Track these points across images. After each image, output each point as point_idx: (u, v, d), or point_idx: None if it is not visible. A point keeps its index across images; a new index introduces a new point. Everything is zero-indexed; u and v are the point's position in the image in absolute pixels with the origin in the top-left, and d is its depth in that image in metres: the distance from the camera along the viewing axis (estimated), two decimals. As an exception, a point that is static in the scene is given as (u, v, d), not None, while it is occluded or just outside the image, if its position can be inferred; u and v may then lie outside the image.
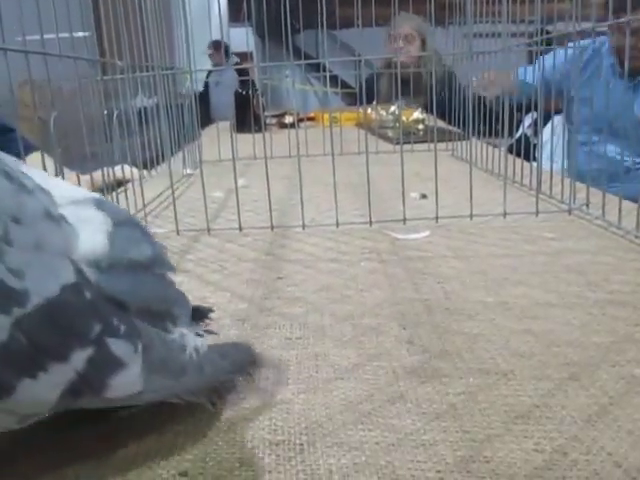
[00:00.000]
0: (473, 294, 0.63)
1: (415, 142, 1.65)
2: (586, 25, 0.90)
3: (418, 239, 0.85)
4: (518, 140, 2.70)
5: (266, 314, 0.61)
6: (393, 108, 2.01)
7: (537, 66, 1.17)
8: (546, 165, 1.38)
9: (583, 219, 0.90)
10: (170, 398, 0.39)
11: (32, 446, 0.39)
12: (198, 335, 0.42)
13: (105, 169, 0.95)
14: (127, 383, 0.35)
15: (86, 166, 1.08)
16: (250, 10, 1.27)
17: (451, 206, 0.99)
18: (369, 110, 2.18)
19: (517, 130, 2.79)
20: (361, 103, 1.56)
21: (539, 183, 0.93)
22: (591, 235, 0.82)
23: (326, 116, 2.08)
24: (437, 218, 0.89)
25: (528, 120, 3.02)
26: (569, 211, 0.91)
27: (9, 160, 0.34)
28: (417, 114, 1.87)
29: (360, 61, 1.13)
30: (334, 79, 2.36)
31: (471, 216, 0.90)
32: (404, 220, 0.90)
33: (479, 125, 1.42)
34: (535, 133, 3.24)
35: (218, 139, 1.60)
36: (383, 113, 2.01)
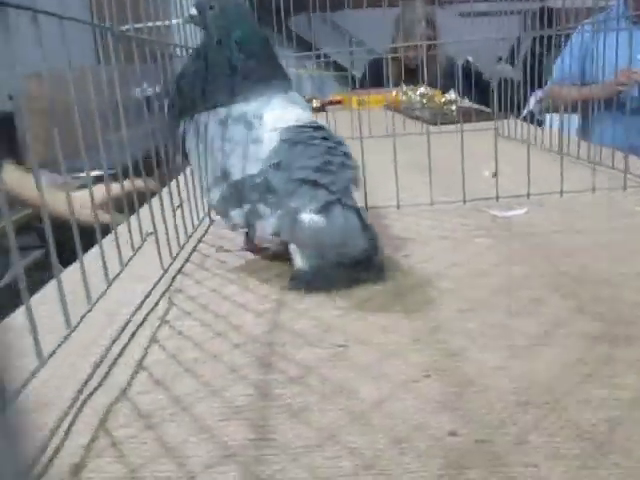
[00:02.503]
0: (607, 266, 0.66)
1: (451, 122, 1.69)
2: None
3: (518, 216, 0.88)
4: (524, 117, 2.74)
5: (420, 290, 0.64)
6: (421, 89, 2.03)
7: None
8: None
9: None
10: (299, 244, 0.63)
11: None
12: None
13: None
14: (265, 227, 0.65)
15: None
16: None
17: (526, 183, 1.01)
18: (394, 93, 2.21)
19: (523, 107, 2.83)
20: (360, 87, 1.60)
21: (627, 158, 0.96)
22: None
23: (354, 98, 2.09)
24: (529, 195, 0.92)
25: (534, 98, 3.07)
26: (655, 184, 0.95)
27: (259, 109, 0.69)
28: (449, 95, 1.89)
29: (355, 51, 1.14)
30: (328, 63, 2.37)
31: (561, 192, 0.93)
32: (497, 197, 0.93)
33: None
34: (542, 110, 3.28)
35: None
36: (411, 95, 2.03)
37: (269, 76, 0.72)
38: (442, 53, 2.53)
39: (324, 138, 0.66)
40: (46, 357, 0.43)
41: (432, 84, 2.12)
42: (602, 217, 0.84)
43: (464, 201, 0.93)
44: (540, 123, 2.37)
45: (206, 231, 0.92)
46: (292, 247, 0.64)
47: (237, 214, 0.68)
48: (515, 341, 0.51)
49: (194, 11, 0.73)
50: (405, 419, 0.41)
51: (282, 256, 0.74)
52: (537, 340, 0.51)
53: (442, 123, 1.66)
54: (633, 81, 1.13)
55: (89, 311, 0.52)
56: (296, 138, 0.65)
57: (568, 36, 1.67)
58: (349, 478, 0.36)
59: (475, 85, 2.14)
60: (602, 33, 1.14)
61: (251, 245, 0.79)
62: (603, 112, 1.23)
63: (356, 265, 0.62)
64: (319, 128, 0.68)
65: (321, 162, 0.63)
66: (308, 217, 0.61)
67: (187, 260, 0.80)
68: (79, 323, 0.49)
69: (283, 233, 0.63)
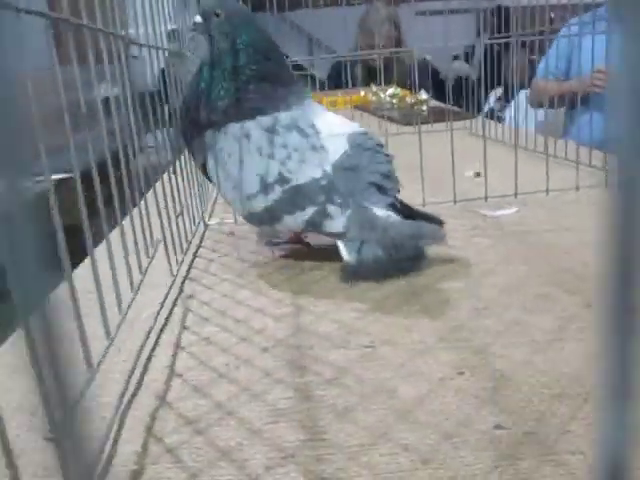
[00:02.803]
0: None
1: (423, 123, 1.72)
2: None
3: (508, 215, 0.91)
4: (486, 114, 2.81)
5: (433, 289, 0.66)
6: (390, 90, 2.06)
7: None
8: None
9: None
10: (364, 239, 0.66)
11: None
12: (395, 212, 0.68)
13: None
14: (334, 226, 0.68)
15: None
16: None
17: (506, 182, 1.03)
18: (362, 93, 2.24)
19: (483, 104, 2.90)
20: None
21: (607, 157, 1.00)
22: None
23: (324, 99, 2.11)
24: (516, 194, 0.96)
25: (493, 95, 3.14)
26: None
27: (308, 118, 0.73)
28: (420, 95, 1.93)
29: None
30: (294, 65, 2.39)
31: (547, 191, 0.96)
32: (486, 197, 0.96)
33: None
34: (502, 108, 3.35)
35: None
36: (381, 95, 2.06)
37: (291, 81, 0.77)
38: (406, 53, 2.57)
39: (380, 145, 0.73)
40: (95, 366, 0.44)
41: (400, 84, 2.15)
42: (590, 215, 0.88)
43: (454, 201, 0.96)
44: (500, 120, 2.45)
45: (203, 236, 0.93)
46: (339, 244, 0.68)
47: (295, 217, 0.70)
48: (533, 336, 0.54)
49: (199, 19, 0.74)
50: (449, 415, 0.44)
51: (292, 256, 0.76)
52: (555, 335, 0.54)
53: (415, 123, 1.69)
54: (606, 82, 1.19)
55: (123, 320, 0.52)
56: (365, 145, 0.71)
57: (552, 40, 1.73)
58: (409, 474, 0.38)
59: (433, 83, 2.20)
60: (585, 31, 1.19)
61: (271, 248, 0.82)
62: (580, 108, 1.28)
63: (407, 258, 0.67)
64: (369, 135, 0.75)
65: (386, 170, 0.71)
66: (385, 213, 0.67)
67: (191, 266, 0.81)
68: (117, 332, 0.50)
69: (354, 229, 0.66)
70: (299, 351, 0.55)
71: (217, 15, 0.72)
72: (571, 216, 0.88)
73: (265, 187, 0.70)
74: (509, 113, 2.79)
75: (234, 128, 0.72)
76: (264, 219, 0.73)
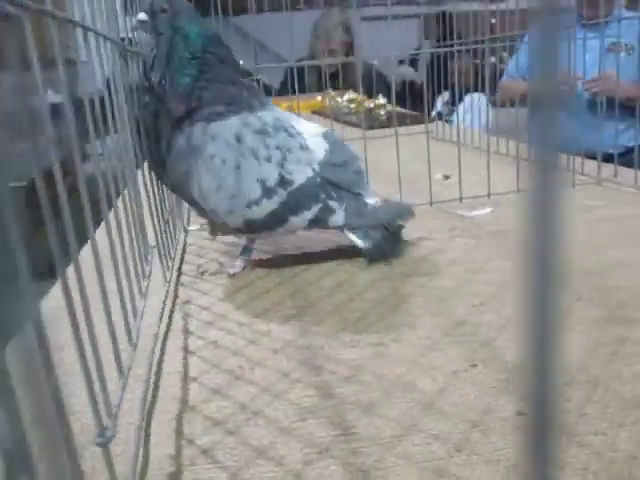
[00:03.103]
0: (587, 258, 0.73)
1: (381, 127, 1.76)
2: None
3: (484, 215, 0.95)
4: (434, 118, 2.88)
5: (429, 289, 0.68)
6: (347, 95, 2.09)
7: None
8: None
9: (610, 189, 1.04)
10: (359, 227, 0.74)
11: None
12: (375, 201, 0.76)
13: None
14: (336, 220, 0.73)
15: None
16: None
17: (476, 184, 1.05)
18: (319, 98, 2.26)
19: (431, 108, 2.97)
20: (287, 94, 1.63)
21: (573, 159, 1.05)
22: (635, 200, 0.96)
23: (283, 104, 2.13)
24: (489, 195, 1.00)
25: (441, 99, 3.22)
26: (599, 182, 1.05)
27: (286, 119, 0.75)
28: (378, 100, 1.96)
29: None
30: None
31: (518, 190, 1.00)
32: (460, 199, 0.99)
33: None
34: (452, 111, 3.43)
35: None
36: (338, 100, 2.08)
37: (245, 78, 0.77)
38: (359, 58, 2.61)
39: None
40: (126, 372, 0.44)
41: (354, 89, 2.19)
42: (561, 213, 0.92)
43: (430, 203, 0.99)
44: (446, 121, 2.52)
45: (185, 242, 0.93)
46: (350, 235, 0.74)
47: (300, 217, 0.72)
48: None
49: (143, 16, 0.70)
50: (471, 405, 0.46)
51: (279, 265, 0.78)
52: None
53: (375, 127, 1.73)
54: (572, 85, 1.24)
55: (140, 325, 0.52)
56: (338, 141, 0.78)
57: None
58: (446, 461, 0.40)
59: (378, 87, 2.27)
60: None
61: (248, 260, 0.79)
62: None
63: (396, 237, 0.77)
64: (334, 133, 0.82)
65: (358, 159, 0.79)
66: (373, 200, 0.76)
67: (180, 272, 0.81)
68: (138, 339, 0.50)
69: (351, 218, 0.73)
70: (310, 351, 0.57)
71: (164, 11, 0.69)
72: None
73: (267, 191, 0.70)
74: (456, 116, 2.86)
75: (219, 128, 0.69)
76: (268, 224, 0.72)
